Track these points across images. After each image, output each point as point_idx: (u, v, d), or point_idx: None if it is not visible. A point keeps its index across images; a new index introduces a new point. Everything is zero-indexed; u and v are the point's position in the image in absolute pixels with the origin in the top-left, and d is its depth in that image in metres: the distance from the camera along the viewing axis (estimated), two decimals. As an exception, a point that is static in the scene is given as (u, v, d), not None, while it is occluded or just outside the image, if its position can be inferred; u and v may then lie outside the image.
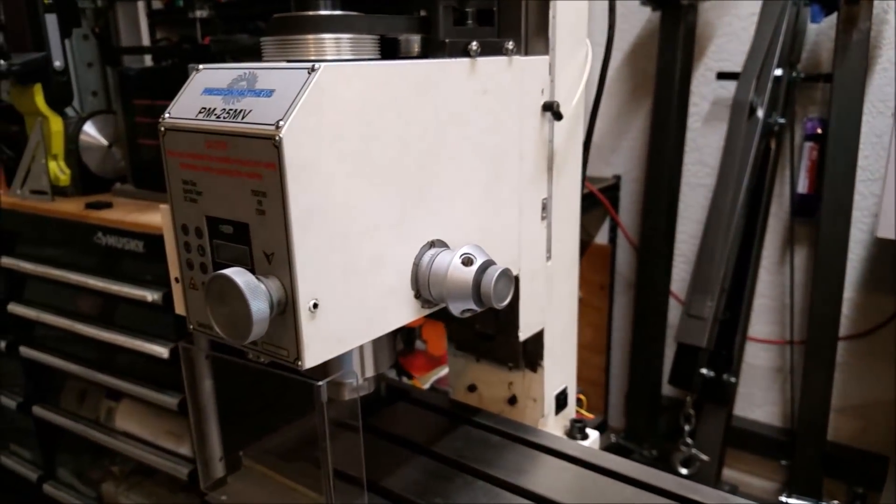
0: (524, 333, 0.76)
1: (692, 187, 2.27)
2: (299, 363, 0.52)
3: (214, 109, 0.52)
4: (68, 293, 1.83)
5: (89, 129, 1.91)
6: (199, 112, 0.53)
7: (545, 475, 0.74)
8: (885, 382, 2.19)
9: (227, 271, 0.49)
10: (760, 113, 1.85)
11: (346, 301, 0.54)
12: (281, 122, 0.47)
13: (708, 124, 2.19)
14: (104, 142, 1.93)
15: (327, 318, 0.53)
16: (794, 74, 1.93)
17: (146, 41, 1.80)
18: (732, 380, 2.10)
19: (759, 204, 2.04)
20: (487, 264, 0.58)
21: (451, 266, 0.58)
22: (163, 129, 0.55)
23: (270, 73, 0.51)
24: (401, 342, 2.53)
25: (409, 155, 0.58)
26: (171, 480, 1.92)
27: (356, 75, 0.52)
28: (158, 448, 1.77)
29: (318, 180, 0.50)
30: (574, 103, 0.75)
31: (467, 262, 0.58)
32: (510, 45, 0.66)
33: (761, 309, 2.29)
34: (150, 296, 1.58)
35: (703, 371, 1.96)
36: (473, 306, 0.59)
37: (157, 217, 1.60)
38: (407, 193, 0.58)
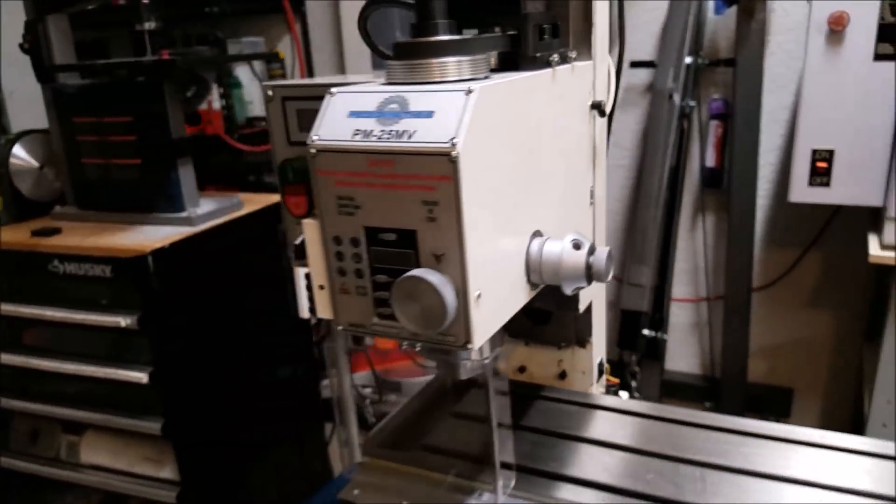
0: (583, 305, 0.86)
1: (612, 169, 2.46)
2: (469, 345, 0.59)
3: (372, 131, 0.58)
4: (20, 326, 1.74)
5: (19, 151, 1.82)
6: (356, 134, 0.59)
7: (626, 427, 0.86)
8: (788, 324, 2.49)
9: (418, 272, 0.56)
10: (677, 98, 2.05)
11: (493, 290, 0.62)
12: (455, 140, 0.55)
13: (622, 109, 2.38)
14: (35, 164, 1.85)
15: (484, 306, 0.60)
16: (699, 61, 2.14)
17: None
18: (664, 337, 2.32)
19: (677, 179, 2.25)
20: (594, 247, 0.68)
21: (563, 251, 0.67)
22: (314, 150, 0.60)
23: (421, 96, 0.58)
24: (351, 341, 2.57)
25: (521, 158, 0.66)
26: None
27: (496, 91, 0.60)
28: (137, 476, 1.73)
29: (480, 188, 0.58)
30: (609, 101, 0.86)
31: (577, 246, 0.67)
32: (573, 54, 0.76)
33: (679, 272, 2.52)
34: (124, 321, 1.55)
35: (645, 332, 2.15)
36: (584, 283, 0.68)
37: (121, 239, 1.58)
38: (520, 192, 0.66)
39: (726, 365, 2.38)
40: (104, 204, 1.69)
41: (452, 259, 0.58)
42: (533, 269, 0.69)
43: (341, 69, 2.83)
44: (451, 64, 0.62)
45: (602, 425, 0.88)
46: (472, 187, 0.56)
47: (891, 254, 1.77)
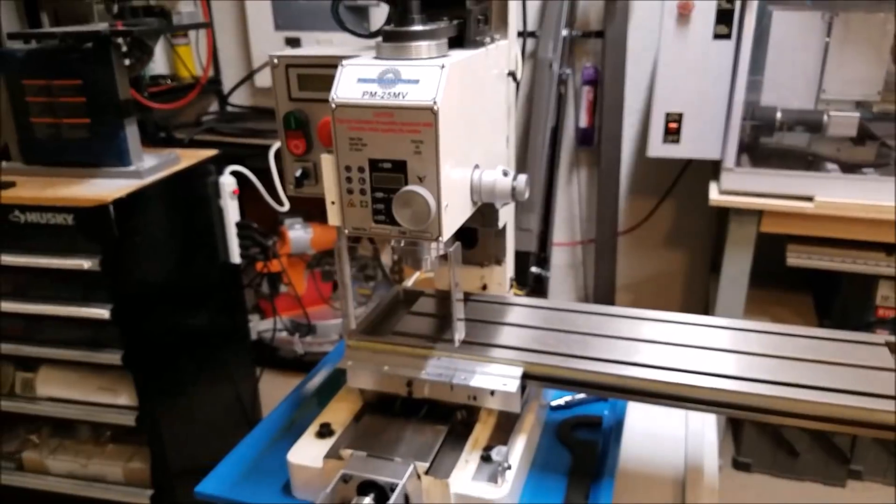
0: (500, 223, 1.17)
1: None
2: (440, 238, 0.89)
3: (376, 92, 0.85)
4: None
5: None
6: (364, 94, 0.86)
7: (531, 315, 1.18)
8: (648, 262, 2.95)
9: (411, 187, 0.85)
10: (556, 66, 2.40)
11: (454, 202, 0.91)
12: (436, 99, 0.83)
13: (511, 76, 2.70)
14: (-28, 122, 1.93)
15: (449, 213, 0.90)
16: (573, 33, 2.50)
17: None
18: (547, 275, 2.70)
19: (556, 138, 2.62)
20: (516, 175, 0.99)
21: (496, 178, 0.98)
22: (334, 105, 0.86)
23: (410, 69, 0.86)
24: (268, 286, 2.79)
25: (470, 112, 0.95)
26: (96, 436, 2.07)
27: (459, 65, 0.88)
28: (95, 405, 1.91)
29: (449, 132, 0.86)
30: (519, 71, 1.16)
31: (505, 174, 0.98)
32: (497, 36, 1.05)
33: (558, 220, 2.91)
34: (86, 263, 1.72)
35: (533, 269, 2.52)
36: (510, 200, 0.99)
37: (80, 190, 1.74)
38: (469, 136, 0.96)
39: (598, 297, 2.80)
40: (52, 160, 1.83)
41: (431, 180, 0.86)
42: (475, 191, 0.98)
43: (244, 30, 2.98)
44: (426, 46, 0.90)
45: (514, 315, 1.20)
46: (445, 131, 0.85)
47: (727, 198, 2.21)
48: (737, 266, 2.29)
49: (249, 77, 3.00)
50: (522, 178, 0.99)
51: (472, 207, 1.00)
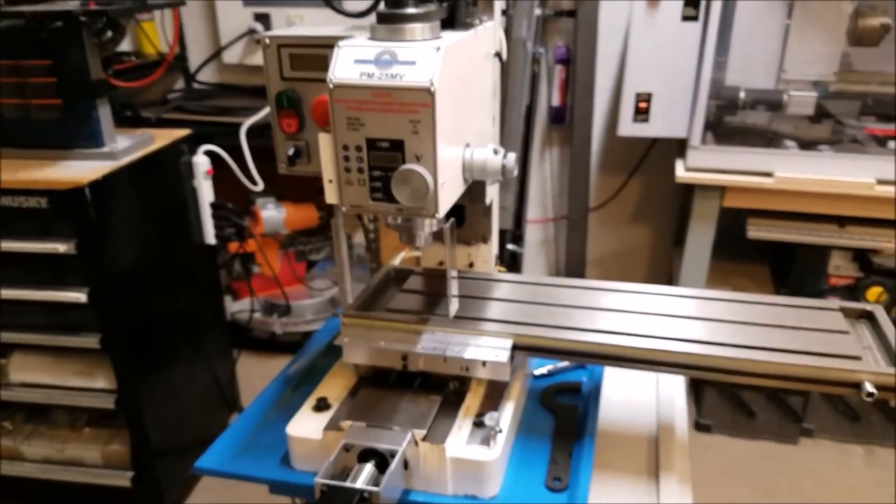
0: (487, 200, 1.21)
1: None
2: (437, 214, 0.92)
3: (374, 74, 0.88)
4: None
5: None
6: (362, 75, 0.88)
7: (516, 291, 1.23)
8: (616, 237, 3.03)
9: (410, 165, 0.88)
10: (529, 46, 2.43)
11: (449, 180, 0.95)
12: (432, 80, 0.86)
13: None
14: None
15: (445, 190, 0.93)
16: (545, 12, 2.53)
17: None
18: (522, 251, 2.76)
19: (530, 117, 2.66)
20: (505, 153, 1.02)
21: (487, 156, 1.01)
22: (332, 85, 0.89)
23: (405, 50, 0.88)
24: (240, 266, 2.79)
25: (462, 92, 0.98)
26: (72, 421, 2.07)
27: (452, 47, 0.91)
28: (72, 389, 1.91)
29: (444, 112, 0.89)
30: (504, 51, 1.20)
31: (495, 152, 1.01)
32: (484, 18, 1.08)
33: (531, 197, 2.96)
34: (62, 247, 1.71)
35: (509, 246, 2.57)
36: (500, 178, 1.02)
37: (53, 173, 1.72)
38: (461, 115, 0.99)
39: (569, 272, 2.87)
40: (23, 142, 1.80)
41: (428, 158, 0.89)
42: (466, 169, 1.02)
43: (211, 5, 2.94)
44: (421, 28, 0.92)
45: (500, 291, 1.24)
46: (441, 111, 0.88)
47: (693, 175, 2.29)
48: (700, 239, 2.38)
49: (218, 54, 2.97)
50: (512, 155, 1.03)
51: (463, 185, 1.03)
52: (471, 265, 1.34)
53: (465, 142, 1.02)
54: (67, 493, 2.05)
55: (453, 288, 1.05)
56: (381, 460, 0.97)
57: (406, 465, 0.99)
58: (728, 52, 2.27)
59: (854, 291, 2.32)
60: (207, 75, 3.12)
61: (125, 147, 1.85)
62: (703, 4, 2.18)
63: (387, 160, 0.91)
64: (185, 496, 2.23)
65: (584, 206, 2.79)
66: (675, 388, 1.37)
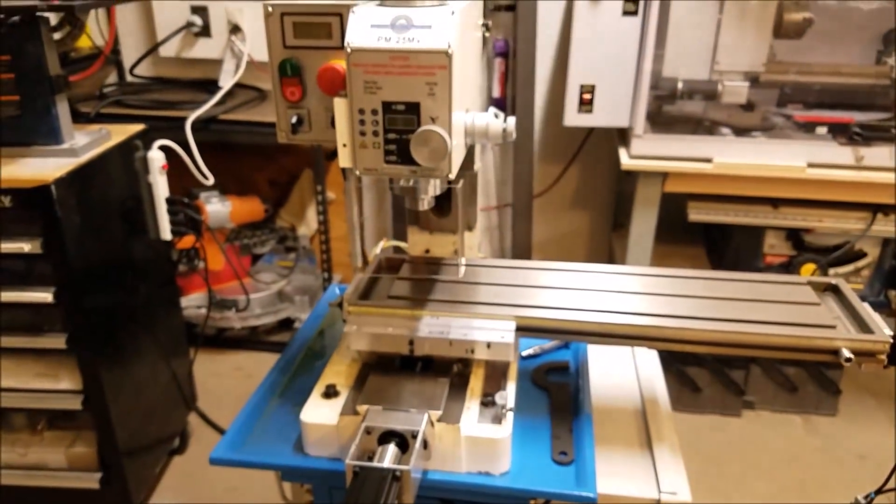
0: (476, 166, 1.26)
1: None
2: (450, 174, 0.96)
3: (391, 38, 0.91)
4: None
5: None
6: (379, 39, 0.91)
7: (497, 274, 1.29)
8: (558, 222, 3.14)
9: (429, 126, 0.91)
10: (477, 37, 2.49)
11: (458, 142, 0.99)
12: (450, 42, 0.90)
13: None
14: None
15: (456, 152, 0.97)
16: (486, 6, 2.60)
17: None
18: (471, 240, 2.80)
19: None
20: (506, 117, 1.07)
21: (489, 120, 1.06)
22: (350, 49, 0.91)
23: (421, 14, 0.92)
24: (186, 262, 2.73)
25: (467, 57, 1.03)
26: (32, 424, 1.98)
27: (462, 12, 0.95)
28: (35, 391, 1.82)
29: (458, 75, 0.93)
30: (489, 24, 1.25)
31: (496, 116, 1.06)
32: (476, -7, 1.13)
33: (475, 188, 3.02)
34: (27, 246, 1.65)
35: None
36: (501, 140, 1.07)
37: (14, 171, 1.65)
38: (467, 80, 1.03)
39: (515, 258, 2.95)
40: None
41: (443, 120, 0.93)
42: (468, 133, 1.06)
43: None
44: (433, -6, 0.96)
45: (484, 276, 1.30)
46: (456, 73, 0.92)
47: (636, 162, 2.40)
48: (644, 224, 2.50)
49: (157, 47, 2.89)
50: (511, 119, 1.08)
51: (464, 150, 1.08)
52: (456, 252, 1.38)
53: (466, 106, 1.06)
54: (34, 498, 1.96)
55: (462, 245, 1.09)
56: (401, 441, 0.99)
57: (425, 444, 1.02)
58: (665, 45, 2.40)
59: (788, 268, 2.49)
60: (143, 69, 3.04)
61: (85, 143, 1.80)
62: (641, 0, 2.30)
63: (403, 123, 0.94)
64: (149, 496, 2.17)
65: (528, 193, 2.88)
66: (651, 364, 1.47)
